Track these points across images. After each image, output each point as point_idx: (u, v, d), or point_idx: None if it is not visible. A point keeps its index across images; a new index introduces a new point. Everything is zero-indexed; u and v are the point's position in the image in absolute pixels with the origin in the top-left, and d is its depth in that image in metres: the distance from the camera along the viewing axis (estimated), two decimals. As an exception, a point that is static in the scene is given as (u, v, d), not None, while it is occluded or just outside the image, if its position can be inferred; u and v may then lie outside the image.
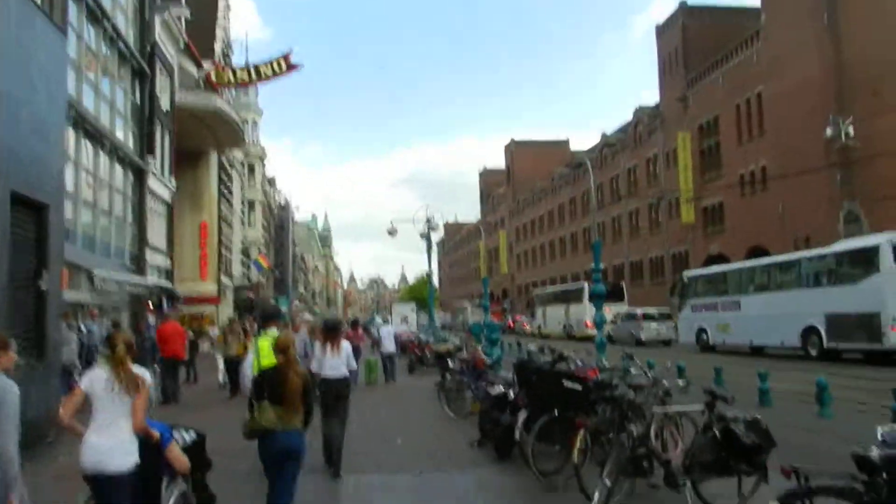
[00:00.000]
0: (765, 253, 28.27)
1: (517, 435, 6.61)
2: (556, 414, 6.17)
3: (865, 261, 16.84)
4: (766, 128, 32.29)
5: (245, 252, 47.24)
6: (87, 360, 11.14)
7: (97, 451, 3.84)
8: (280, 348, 4.78)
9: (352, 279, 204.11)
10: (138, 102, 20.77)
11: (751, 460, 5.02)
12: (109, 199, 18.21)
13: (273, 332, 6.52)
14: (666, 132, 43.08)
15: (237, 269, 42.68)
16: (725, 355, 20.78)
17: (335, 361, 7.07)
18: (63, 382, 9.45)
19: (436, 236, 25.75)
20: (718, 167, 36.56)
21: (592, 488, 5.13)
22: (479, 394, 8.90)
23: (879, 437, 3.21)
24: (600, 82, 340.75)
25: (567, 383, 6.24)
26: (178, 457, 4.27)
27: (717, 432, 5.14)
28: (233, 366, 12.90)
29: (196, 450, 4.60)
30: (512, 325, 49.99)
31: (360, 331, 19.80)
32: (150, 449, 4.03)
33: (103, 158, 17.28)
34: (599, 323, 13.87)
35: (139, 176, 20.80)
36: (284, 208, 70.89)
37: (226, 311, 34.30)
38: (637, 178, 47.60)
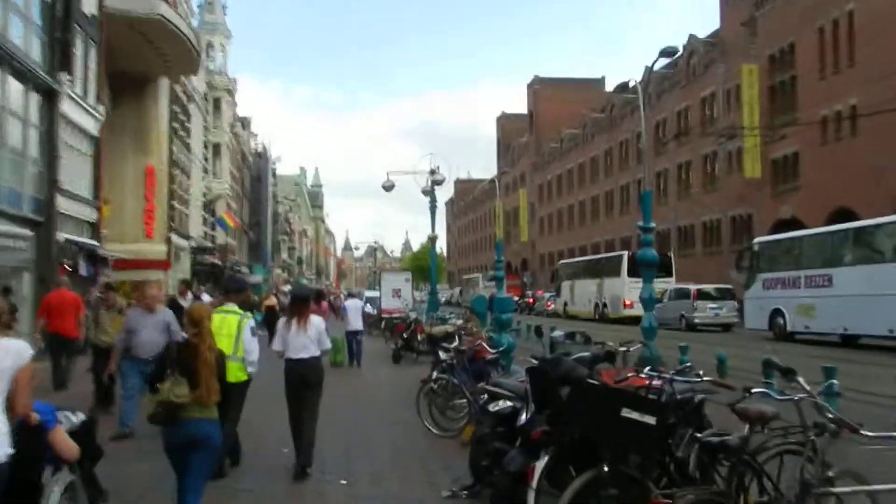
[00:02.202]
0: (851, 217, 26.80)
1: (531, 500, 4.79)
2: (608, 470, 4.42)
3: None
4: (858, 58, 30.90)
5: (208, 207, 45.53)
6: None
7: None
8: (192, 320, 4.96)
9: (346, 246, 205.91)
10: (48, 0, 18.91)
11: None
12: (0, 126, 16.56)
13: (233, 308, 6.75)
14: (727, 65, 41.65)
15: (196, 227, 41.05)
16: (811, 346, 19.99)
17: (302, 339, 7.13)
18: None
19: (444, 195, 24.43)
20: (793, 108, 35.35)
21: None
22: (475, 408, 7.72)
23: None
24: (640, 12, 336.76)
25: (631, 414, 4.32)
26: (64, 442, 4.39)
27: None
28: (102, 359, 9.81)
29: (84, 435, 4.77)
30: (532, 302, 50.49)
31: (325, 305, 19.82)
32: (29, 433, 4.04)
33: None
34: (649, 300, 12.76)
35: (49, 98, 19.03)
36: (262, 156, 69.23)
37: (179, 279, 32.59)
38: (689, 122, 46.06)
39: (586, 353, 6.81)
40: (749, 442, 4.35)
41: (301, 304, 7.38)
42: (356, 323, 17.54)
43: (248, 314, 6.91)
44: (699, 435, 4.72)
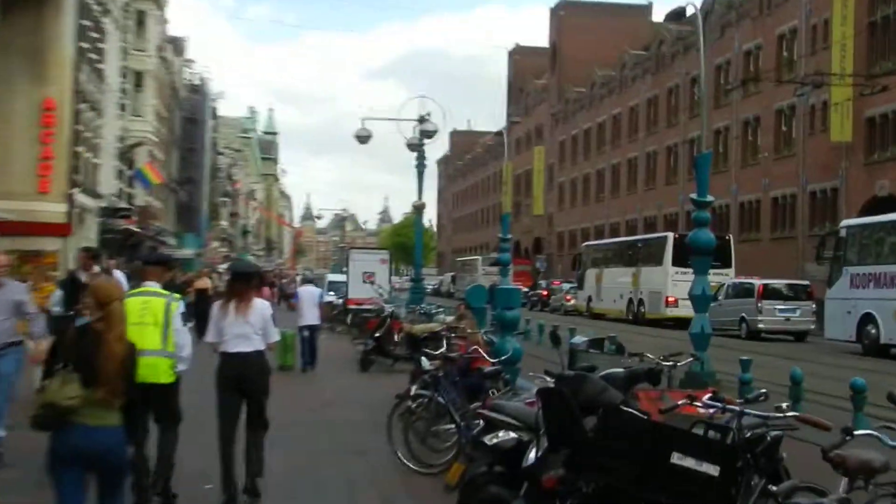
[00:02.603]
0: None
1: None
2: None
3: None
4: None
5: (125, 157, 45.42)
6: None
7: None
8: (98, 300, 5.04)
9: (307, 214, 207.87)
10: None
11: None
12: None
13: (156, 288, 7.01)
14: (814, -8, 41.62)
15: (108, 183, 40.98)
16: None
17: (243, 328, 7.38)
18: None
19: (435, 151, 24.82)
20: (898, 51, 35.82)
21: None
22: (466, 437, 7.77)
23: None
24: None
25: (684, 460, 4.25)
26: None
27: None
28: None
29: None
30: (546, 295, 51.25)
31: (268, 292, 19.90)
32: None
33: None
34: (702, 298, 12.63)
35: None
36: (198, 91, 69.03)
37: (82, 247, 32.49)
38: (759, 66, 46.10)
39: (619, 370, 6.98)
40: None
41: (242, 282, 7.66)
42: (312, 316, 17.91)
43: (177, 296, 7.19)
44: (775, 489, 4.67)
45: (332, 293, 29.75)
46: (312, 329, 17.79)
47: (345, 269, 31.24)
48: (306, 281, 21.33)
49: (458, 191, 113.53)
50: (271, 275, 27.69)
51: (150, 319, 6.72)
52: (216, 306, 7.71)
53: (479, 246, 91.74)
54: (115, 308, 5.05)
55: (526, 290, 52.81)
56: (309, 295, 18.50)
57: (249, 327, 7.39)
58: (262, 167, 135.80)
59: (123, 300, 5.30)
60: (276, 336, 7.74)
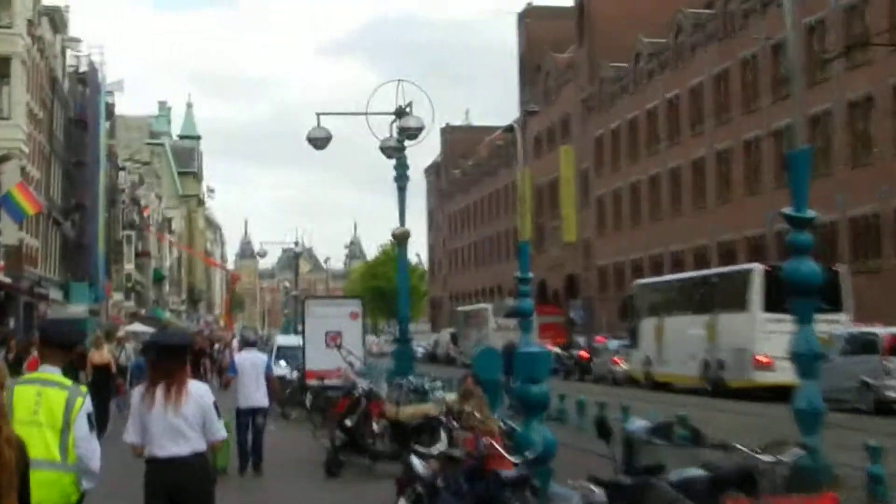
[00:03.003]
0: None
1: None
2: None
3: None
4: None
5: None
6: None
7: None
8: None
9: (246, 251, 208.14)
10: None
11: None
12: None
13: (55, 376, 7.01)
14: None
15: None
16: None
17: (176, 423, 7.80)
18: None
19: (422, 155, 24.84)
20: None
21: None
22: None
23: None
24: None
25: None
26: None
27: None
28: None
29: None
30: (586, 356, 51.21)
31: (202, 364, 20.02)
32: None
33: None
34: (809, 357, 12.36)
35: None
36: (87, 82, 69.13)
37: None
38: (867, 26, 46.08)
39: (697, 472, 7.31)
40: None
41: (171, 360, 8.04)
42: (255, 394, 17.94)
43: (82, 388, 7.12)
44: None
45: (282, 363, 29.79)
46: (256, 414, 17.71)
47: (300, 327, 31.23)
48: (246, 343, 20.92)
49: (456, 211, 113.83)
50: (201, 340, 27.34)
51: (45, 418, 6.64)
52: (137, 395, 8.04)
53: (487, 289, 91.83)
54: (2, 402, 4.93)
55: (558, 350, 52.77)
56: (251, 365, 18.27)
57: (184, 421, 7.73)
58: (180, 186, 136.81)
59: (5, 387, 5.43)
60: (221, 431, 8.09)
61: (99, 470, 6.97)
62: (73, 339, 7.52)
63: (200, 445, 7.81)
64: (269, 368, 19.08)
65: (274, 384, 20.25)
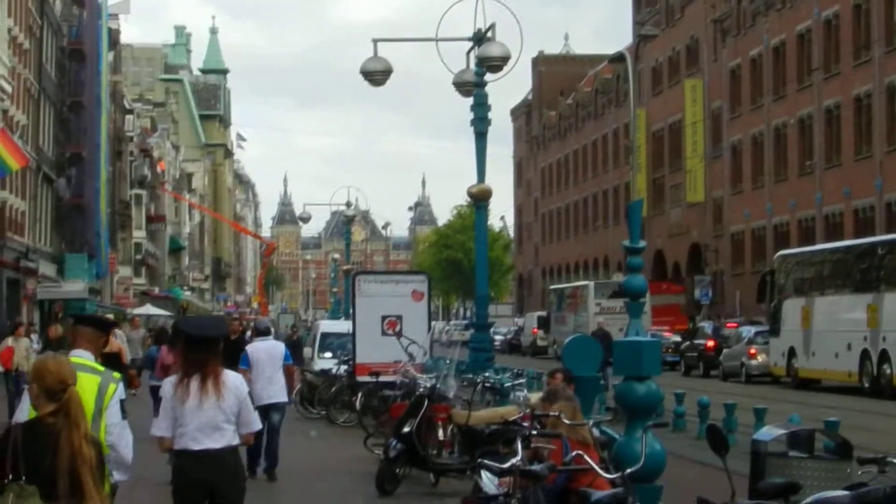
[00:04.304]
0: None
1: None
2: None
3: None
4: None
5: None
6: None
7: None
8: (48, 386, 6.05)
9: (286, 214, 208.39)
10: None
11: None
12: None
13: (83, 357, 7.98)
14: None
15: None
16: None
17: (211, 415, 8.73)
18: None
19: (508, 92, 25.75)
20: None
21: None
22: None
23: None
24: None
25: None
26: None
27: None
28: None
29: None
30: (713, 347, 50.89)
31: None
32: None
33: None
34: None
35: None
36: (80, 1, 69.30)
37: None
38: None
39: (841, 494, 7.32)
40: None
41: (204, 349, 8.92)
42: (272, 388, 18.89)
43: (115, 374, 7.97)
44: None
45: (327, 354, 30.21)
46: (272, 411, 18.45)
47: (349, 309, 31.56)
48: (259, 332, 21.58)
49: (551, 163, 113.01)
50: (236, 326, 27.38)
51: None
52: (169, 385, 8.97)
53: (589, 262, 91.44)
54: (75, 396, 5.93)
55: (676, 339, 52.39)
56: (267, 356, 19.03)
57: (221, 414, 8.70)
58: (203, 133, 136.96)
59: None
60: (256, 423, 9.18)
61: (131, 462, 7.68)
62: (107, 321, 8.60)
63: (234, 439, 8.71)
64: (287, 359, 19.91)
65: (293, 377, 21.62)
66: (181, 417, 8.63)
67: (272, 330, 24.58)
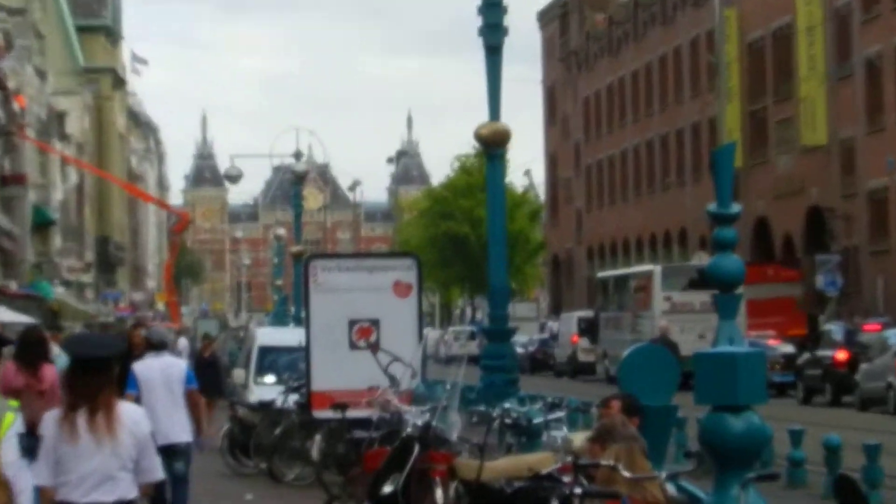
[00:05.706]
0: None
1: None
2: None
3: None
4: None
5: None
6: None
7: None
8: None
9: (205, 170, 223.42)
10: None
11: None
12: None
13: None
14: None
15: None
16: None
17: (103, 462, 9.30)
18: None
19: None
20: None
21: None
22: None
23: None
24: None
25: None
26: None
27: None
28: None
29: None
30: (845, 359, 50.14)
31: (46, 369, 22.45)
32: None
33: None
34: None
35: None
36: None
37: None
38: None
39: None
40: None
41: (93, 374, 9.23)
42: (168, 424, 19.22)
43: (11, 402, 9.78)
44: None
45: (269, 379, 30.27)
46: (173, 456, 18.92)
47: (301, 308, 32.38)
48: (152, 346, 21.98)
49: (598, 92, 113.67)
50: (138, 338, 27.78)
51: None
52: (51, 421, 9.23)
53: (656, 236, 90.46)
54: None
55: (789, 349, 51.26)
56: (162, 377, 19.73)
57: (115, 459, 9.06)
58: (82, 53, 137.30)
59: None
60: (158, 471, 9.54)
61: None
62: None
63: (130, 492, 9.13)
64: (189, 381, 20.57)
65: (199, 405, 21.87)
66: (64, 464, 8.95)
67: (168, 343, 24.53)
